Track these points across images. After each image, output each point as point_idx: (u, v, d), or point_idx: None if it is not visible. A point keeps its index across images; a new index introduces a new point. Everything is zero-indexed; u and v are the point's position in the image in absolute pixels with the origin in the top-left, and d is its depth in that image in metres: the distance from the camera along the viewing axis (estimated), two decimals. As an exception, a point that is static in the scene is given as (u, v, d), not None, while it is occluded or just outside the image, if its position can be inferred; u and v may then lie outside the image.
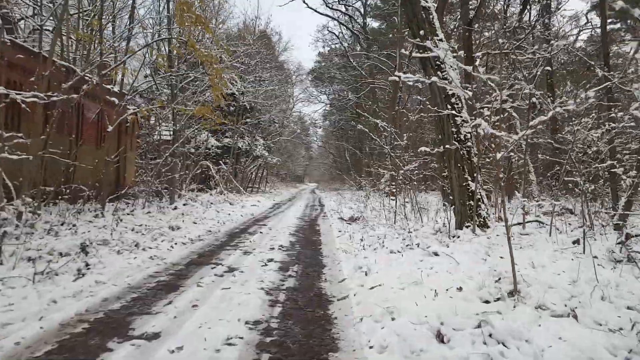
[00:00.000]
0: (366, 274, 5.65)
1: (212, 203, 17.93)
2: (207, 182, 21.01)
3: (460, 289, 4.62)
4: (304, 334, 3.89)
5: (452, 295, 4.40)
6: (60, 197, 11.84)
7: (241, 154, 29.70)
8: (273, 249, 8.40)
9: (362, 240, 8.82)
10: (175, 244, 8.45)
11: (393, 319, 3.77)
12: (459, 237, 7.77)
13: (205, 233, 10.23)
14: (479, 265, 5.74)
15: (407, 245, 7.56)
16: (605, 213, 9.25)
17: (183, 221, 11.69)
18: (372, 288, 4.92)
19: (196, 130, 23.56)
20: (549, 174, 14.48)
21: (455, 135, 8.50)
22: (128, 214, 12.53)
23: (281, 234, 10.65)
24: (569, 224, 9.75)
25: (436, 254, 6.41)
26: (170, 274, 6.13)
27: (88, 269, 6.07)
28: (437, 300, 4.28)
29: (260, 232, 10.77)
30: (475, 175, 8.40)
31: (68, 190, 11.83)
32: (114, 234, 8.43)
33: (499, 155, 4.60)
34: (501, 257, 6.13)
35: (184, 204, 17.06)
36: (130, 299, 4.79)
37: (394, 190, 24.74)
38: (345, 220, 13.58)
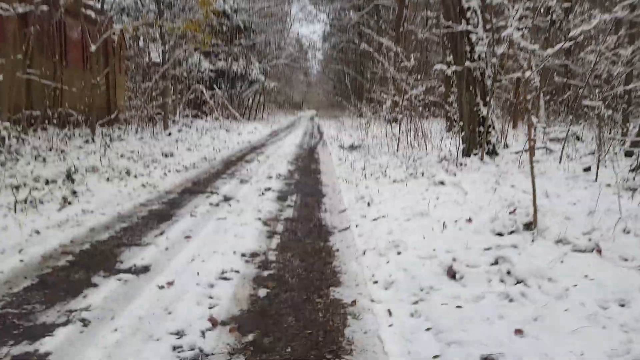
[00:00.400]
0: (369, 205, 5.35)
1: (207, 130, 17.38)
2: (202, 107, 20.25)
3: (470, 220, 4.34)
4: (304, 267, 3.64)
5: (462, 227, 4.12)
6: (48, 122, 11.30)
7: (236, 78, 28.49)
8: (271, 177, 8.07)
9: (363, 169, 8.48)
10: (169, 171, 8.09)
11: (399, 253, 3.50)
12: (466, 165, 7.41)
13: (200, 160, 9.85)
14: (488, 194, 5.43)
15: (411, 174, 7.22)
16: (617, 139, 8.84)
17: (177, 148, 11.27)
18: (375, 219, 4.64)
19: (187, 52, 22.31)
20: (560, 99, 13.83)
21: (469, 55, 7.82)
22: (120, 140, 12.09)
23: (279, 162, 10.29)
24: (576, 150, 9.40)
25: (442, 183, 6.09)
26: (162, 202, 5.83)
27: (76, 196, 5.76)
28: (446, 232, 3.99)
29: (258, 160, 10.40)
30: (487, 99, 7.85)
31: (56, 115, 11.27)
32: (103, 160, 8.04)
33: (528, 74, 4.05)
34: (512, 186, 5.81)
35: (179, 130, 16.53)
36: (119, 229, 4.51)
37: (396, 116, 24.12)
38: (346, 148, 13.18)
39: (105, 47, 18.39)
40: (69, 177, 5.95)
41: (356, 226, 4.69)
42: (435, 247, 3.57)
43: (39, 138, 10.04)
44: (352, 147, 13.58)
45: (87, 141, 10.73)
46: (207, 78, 25.61)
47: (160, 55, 18.05)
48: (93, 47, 12.00)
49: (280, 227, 4.79)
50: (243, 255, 3.82)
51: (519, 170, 6.94)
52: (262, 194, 6.51)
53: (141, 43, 19.92)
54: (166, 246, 3.95)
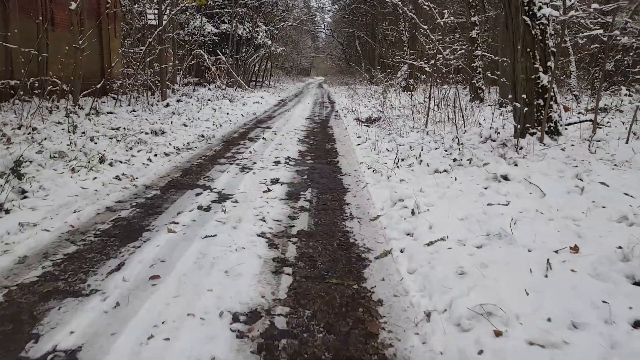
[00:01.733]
0: (413, 213, 3.90)
1: (209, 99, 15.82)
2: (205, 75, 18.58)
3: (575, 248, 2.89)
4: (335, 347, 2.25)
5: (573, 266, 2.67)
6: (30, 93, 9.87)
7: (242, 42, 26.55)
8: (278, 162, 6.63)
9: (389, 151, 6.99)
10: (155, 155, 6.67)
11: (498, 335, 2.07)
12: (522, 148, 5.88)
13: (196, 139, 8.40)
14: (576, 197, 3.95)
15: (455, 161, 5.72)
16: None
17: (171, 122, 9.81)
18: (430, 244, 3.20)
19: (187, 12, 20.45)
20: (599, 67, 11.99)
21: (527, 8, 6.13)
22: (109, 113, 10.65)
23: (288, 140, 8.80)
24: (622, 122, 7.82)
25: (506, 178, 4.60)
26: (137, 205, 4.44)
27: (25, 197, 4.40)
28: (553, 278, 2.55)
29: (263, 139, 8.91)
30: (549, 64, 6.21)
31: (37, 84, 9.81)
32: (77, 141, 6.63)
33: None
34: (602, 183, 4.31)
35: (178, 101, 15.01)
36: (60, 260, 3.13)
37: (413, 83, 22.21)
38: (363, 122, 11.62)
39: (97, 6, 16.72)
40: (15, 171, 4.55)
41: (401, 251, 3.27)
42: (552, 316, 2.14)
43: (15, 112, 8.66)
44: (370, 121, 12.01)
45: (68, 115, 9.30)
46: (210, 42, 23.74)
47: (157, 16, 16.27)
48: (73, 5, 10.36)
49: (292, 251, 3.38)
50: (234, 319, 2.41)
51: (594, 157, 5.40)
52: (268, 189, 5.08)
53: (138, 4, 18.08)
54: (117, 300, 2.55)
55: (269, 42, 25.59)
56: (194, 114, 11.94)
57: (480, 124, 8.45)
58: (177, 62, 17.85)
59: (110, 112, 10.75)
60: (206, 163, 6.52)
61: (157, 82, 16.72)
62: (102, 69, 15.46)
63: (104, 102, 12.65)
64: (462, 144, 6.19)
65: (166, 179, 5.52)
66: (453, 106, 9.88)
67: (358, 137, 8.92)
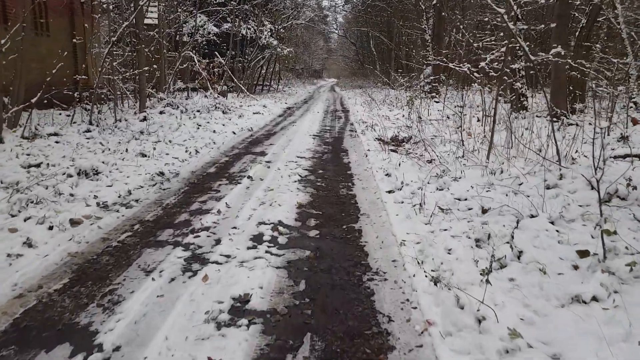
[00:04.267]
0: None
1: (198, 110, 13.16)
2: (195, 80, 15.94)
3: None
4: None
5: None
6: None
7: (246, 43, 23.91)
8: (260, 239, 3.87)
9: (444, 212, 4.19)
10: (50, 227, 3.95)
11: None
12: None
13: (147, 181, 5.67)
14: None
15: (594, 268, 2.89)
16: None
17: (126, 150, 7.13)
18: None
19: (180, 10, 17.89)
20: None
21: None
22: (51, 135, 8.05)
23: (284, 180, 6.01)
24: None
25: None
26: None
27: None
28: None
29: (249, 178, 6.11)
30: None
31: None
32: None
33: None
34: None
35: (161, 112, 12.40)
36: None
37: (437, 87, 19.29)
38: (388, 144, 8.80)
39: (71, 4, 14.24)
40: None
41: None
42: None
43: None
44: (396, 141, 9.19)
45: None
46: (207, 43, 21.14)
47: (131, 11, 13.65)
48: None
49: None
50: None
51: None
52: (228, 329, 2.31)
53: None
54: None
55: (275, 43, 22.90)
56: (169, 133, 9.26)
57: (572, 157, 5.57)
58: (165, 65, 15.26)
59: (55, 134, 8.13)
60: (129, 247, 3.76)
61: (150, 87, 14.17)
62: (75, 74, 12.95)
63: (70, 115, 10.10)
64: (608, 223, 3.26)
65: (29, 304, 2.80)
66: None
67: (386, 174, 6.11)
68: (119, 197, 4.97)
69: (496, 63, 12.10)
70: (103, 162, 6.13)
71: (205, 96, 15.16)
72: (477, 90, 19.51)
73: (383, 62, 33.97)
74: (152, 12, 16.99)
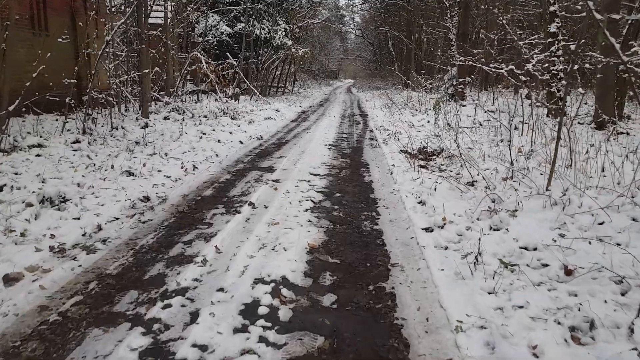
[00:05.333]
0: None
1: (205, 116, 12.18)
2: (203, 82, 14.98)
3: None
4: None
5: None
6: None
7: (260, 44, 22.93)
8: (253, 314, 2.74)
9: (510, 270, 3.03)
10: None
11: None
12: None
13: (124, 211, 4.63)
14: None
15: None
16: None
17: (112, 166, 6.12)
18: None
19: (189, 8, 16.99)
20: None
21: None
22: (34, 146, 7.13)
23: (293, 210, 4.87)
24: None
25: None
26: None
27: None
28: None
29: (250, 206, 5.00)
30: None
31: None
32: None
33: None
34: None
35: (165, 117, 11.48)
36: None
37: (462, 89, 17.95)
38: (415, 157, 7.61)
39: (72, 1, 13.44)
40: None
41: None
42: None
43: None
44: (425, 154, 7.99)
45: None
46: (214, 42, 20.19)
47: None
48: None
49: None
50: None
51: None
52: None
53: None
54: None
55: (289, 43, 21.86)
56: (167, 143, 8.26)
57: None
58: (173, 67, 14.36)
59: (38, 145, 7.20)
60: (71, 326, 2.66)
61: (159, 91, 13.28)
62: (78, 79, 12.10)
63: (68, 122, 9.20)
64: None
65: None
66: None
67: (419, 201, 4.95)
68: (83, 235, 3.93)
69: (546, 64, 10.77)
70: (78, 185, 5.12)
71: (216, 99, 14.18)
72: (508, 93, 18.02)
73: (402, 63, 32.60)
74: (160, 10, 16.14)
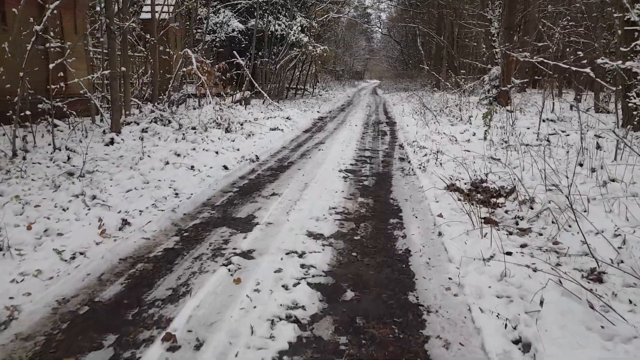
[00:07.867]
0: None
1: (194, 128, 9.81)
2: (200, 86, 12.64)
3: None
4: None
5: None
6: None
7: (274, 41, 20.51)
8: None
9: None
10: None
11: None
12: None
13: None
14: None
15: None
16: None
17: (3, 224, 3.70)
18: None
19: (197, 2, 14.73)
20: None
21: None
22: None
23: (253, 356, 2.33)
24: None
25: None
26: None
27: None
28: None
29: (165, 343, 2.49)
30: None
31: None
32: None
33: None
34: None
35: (144, 130, 9.14)
36: None
37: (507, 91, 15.03)
38: (473, 198, 4.88)
39: (48, -8, 11.28)
40: None
41: None
42: None
43: None
44: (487, 195, 5.26)
45: None
46: (224, 40, 17.87)
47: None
48: None
49: None
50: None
51: None
52: None
53: None
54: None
55: (305, 39, 19.33)
56: (116, 173, 5.85)
57: None
58: (158, 68, 12.06)
59: None
60: None
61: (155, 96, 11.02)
62: (46, 83, 9.94)
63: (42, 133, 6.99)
64: None
65: None
66: None
67: (514, 340, 2.33)
68: None
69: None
70: None
71: (220, 107, 11.78)
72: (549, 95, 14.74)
73: (432, 62, 29.62)
74: (159, 4, 13.89)
